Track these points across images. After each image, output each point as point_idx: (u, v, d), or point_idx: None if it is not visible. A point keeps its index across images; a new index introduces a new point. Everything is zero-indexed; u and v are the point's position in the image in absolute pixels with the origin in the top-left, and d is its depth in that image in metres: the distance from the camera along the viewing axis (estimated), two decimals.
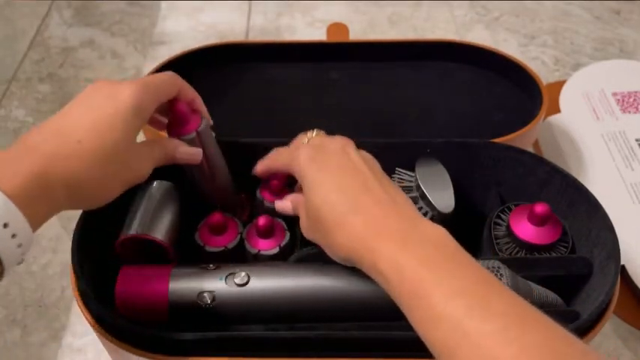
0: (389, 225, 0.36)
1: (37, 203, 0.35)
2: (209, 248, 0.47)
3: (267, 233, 0.48)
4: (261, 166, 0.49)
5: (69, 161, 0.37)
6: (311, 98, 0.70)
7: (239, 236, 0.48)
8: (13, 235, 0.33)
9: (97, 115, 0.39)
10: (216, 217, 0.48)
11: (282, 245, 0.48)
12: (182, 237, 0.49)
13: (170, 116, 0.47)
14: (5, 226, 0.32)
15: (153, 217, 0.46)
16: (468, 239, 0.39)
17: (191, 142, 0.46)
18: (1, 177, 0.33)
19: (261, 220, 0.48)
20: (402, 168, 0.53)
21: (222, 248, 0.47)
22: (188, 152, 0.46)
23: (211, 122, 0.49)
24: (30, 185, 0.34)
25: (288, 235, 0.49)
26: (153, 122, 0.48)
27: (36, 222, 0.35)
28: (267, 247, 0.48)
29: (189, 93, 0.47)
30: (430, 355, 0.42)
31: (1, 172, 0.33)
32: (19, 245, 0.33)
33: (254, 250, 0.48)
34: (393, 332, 0.42)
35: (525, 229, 0.48)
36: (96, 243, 0.46)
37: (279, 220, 0.50)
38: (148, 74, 0.64)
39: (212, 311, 0.43)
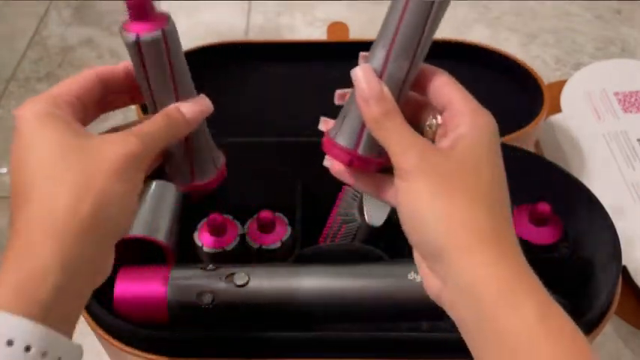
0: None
1: (52, 304, 0.28)
2: (207, 249, 0.47)
3: (268, 228, 0.48)
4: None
5: (41, 211, 0.30)
6: (311, 98, 0.70)
7: (238, 237, 0.48)
8: (44, 354, 0.27)
9: (18, 157, 0.31)
10: (216, 218, 0.47)
11: (283, 240, 0.48)
12: (182, 237, 0.48)
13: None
14: (28, 349, 0.26)
15: (153, 218, 0.46)
16: None
17: (155, 44, 0.36)
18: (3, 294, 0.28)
19: (263, 215, 0.47)
20: None
21: (220, 250, 0.47)
22: (196, 106, 0.38)
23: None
24: (29, 281, 0.28)
25: (289, 229, 0.49)
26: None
27: (68, 324, 0.30)
28: (268, 241, 0.48)
29: None
30: (428, 356, 0.42)
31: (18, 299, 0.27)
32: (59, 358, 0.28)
33: (256, 245, 0.48)
34: (393, 333, 0.42)
35: (526, 229, 0.48)
36: None
37: (280, 214, 0.50)
38: None
39: (212, 311, 0.42)
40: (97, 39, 0.96)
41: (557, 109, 0.78)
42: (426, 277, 0.33)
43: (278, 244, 0.48)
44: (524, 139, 0.61)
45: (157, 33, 0.36)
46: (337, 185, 0.54)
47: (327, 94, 0.72)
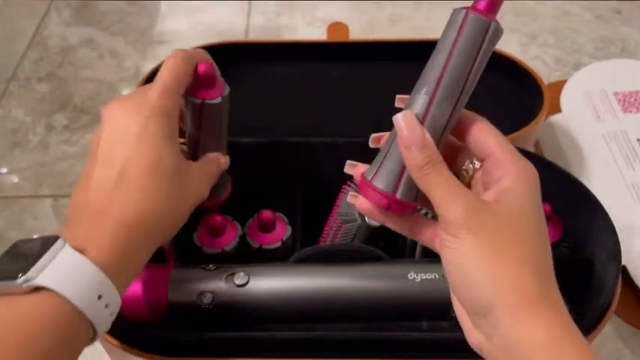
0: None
1: (124, 269, 0.35)
2: (207, 250, 0.47)
3: (269, 227, 0.48)
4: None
5: (143, 212, 0.36)
6: (311, 98, 0.70)
7: (237, 238, 0.48)
8: (107, 305, 0.33)
9: (136, 150, 0.37)
10: (215, 218, 0.47)
11: (284, 239, 0.48)
12: (181, 238, 0.48)
13: (194, 80, 0.42)
14: (100, 297, 0.32)
15: None
16: None
17: (216, 108, 0.43)
18: (90, 250, 0.33)
19: (264, 214, 0.47)
20: None
21: (219, 250, 0.47)
22: (226, 158, 0.46)
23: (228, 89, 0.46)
24: (117, 253, 0.34)
25: (289, 229, 0.49)
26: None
27: (123, 287, 0.35)
28: (269, 241, 0.48)
29: (209, 58, 0.44)
30: (428, 356, 0.42)
31: (88, 245, 0.33)
32: (111, 314, 0.34)
33: (256, 245, 0.48)
34: (393, 333, 0.42)
35: None
36: None
37: (281, 214, 0.50)
38: (148, 73, 0.64)
39: (212, 311, 0.42)
40: (98, 39, 0.96)
41: (556, 109, 0.78)
42: (467, 329, 0.34)
43: (278, 244, 0.48)
44: (524, 139, 0.61)
45: (218, 100, 0.43)
46: (337, 185, 0.54)
47: (327, 94, 0.72)
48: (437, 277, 0.43)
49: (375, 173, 0.36)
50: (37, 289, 0.31)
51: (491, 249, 0.31)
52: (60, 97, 0.87)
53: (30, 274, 0.30)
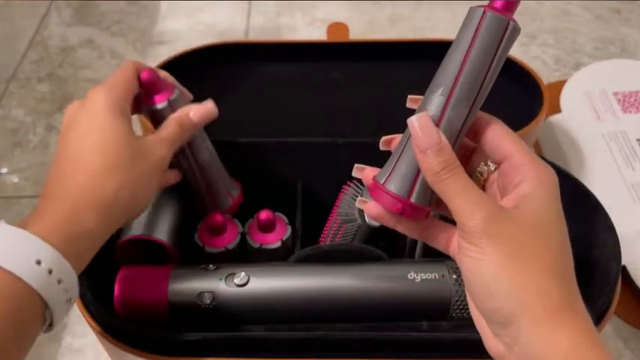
0: None
1: (75, 243, 0.35)
2: (209, 249, 0.47)
3: (269, 227, 0.48)
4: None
5: (91, 187, 0.37)
6: (311, 98, 0.70)
7: (239, 236, 0.48)
8: (59, 281, 0.33)
9: (84, 133, 0.39)
10: (216, 217, 0.47)
11: (284, 239, 0.48)
12: (182, 237, 0.48)
13: (139, 90, 0.44)
14: (50, 272, 0.32)
15: (154, 217, 0.46)
16: None
17: (162, 113, 0.44)
18: (38, 227, 0.33)
19: (263, 214, 0.47)
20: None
21: (222, 249, 0.47)
22: (201, 110, 0.44)
23: (191, 97, 0.47)
24: (63, 225, 0.34)
25: (289, 229, 0.49)
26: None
27: (78, 265, 0.35)
28: (269, 241, 0.48)
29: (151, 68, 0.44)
30: (428, 356, 0.42)
31: (37, 223, 0.34)
32: (66, 290, 0.33)
33: (256, 245, 0.48)
34: (393, 333, 0.42)
35: None
36: None
37: (280, 214, 0.50)
38: None
39: (212, 311, 0.42)
40: (98, 39, 0.96)
41: (556, 109, 0.78)
42: (486, 337, 0.33)
43: (279, 244, 0.48)
44: (524, 139, 0.61)
45: (164, 104, 0.44)
46: (337, 185, 0.54)
47: (327, 94, 0.72)
48: (437, 277, 0.43)
49: (388, 177, 0.34)
50: None
51: (514, 259, 0.31)
52: (60, 97, 0.87)
53: None
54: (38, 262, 0.32)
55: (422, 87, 0.74)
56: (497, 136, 0.34)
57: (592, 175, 0.70)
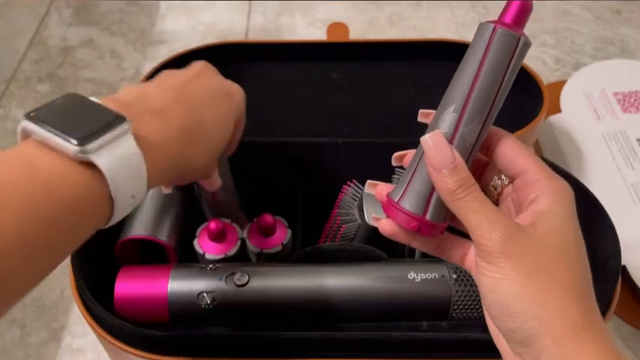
0: None
1: (164, 173, 0.34)
2: (209, 256, 0.47)
3: (269, 231, 0.48)
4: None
5: (197, 143, 0.36)
6: (311, 98, 0.70)
7: (239, 242, 0.48)
8: (133, 196, 0.32)
9: (223, 106, 0.40)
10: (215, 224, 0.47)
11: (284, 243, 0.48)
12: (183, 238, 0.48)
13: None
14: (133, 197, 0.31)
15: (155, 218, 0.46)
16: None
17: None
18: (147, 148, 0.32)
19: (264, 219, 0.47)
20: (402, 168, 0.53)
21: (223, 255, 0.47)
22: (216, 182, 0.45)
23: (229, 152, 0.48)
24: (167, 160, 0.34)
25: (289, 232, 0.49)
26: None
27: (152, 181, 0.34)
28: (269, 245, 0.48)
29: None
30: (428, 356, 0.42)
31: (146, 143, 0.32)
32: (132, 205, 0.32)
33: (256, 250, 0.47)
34: (393, 333, 0.42)
35: None
36: (95, 243, 0.46)
37: (280, 217, 0.49)
38: (148, 73, 0.64)
39: (212, 311, 0.42)
40: (98, 39, 0.96)
41: (556, 109, 0.78)
42: (506, 355, 0.32)
43: (279, 248, 0.48)
44: (524, 139, 0.61)
45: None
46: (337, 185, 0.54)
47: (327, 94, 0.72)
48: (437, 277, 0.43)
49: (402, 195, 0.34)
50: (86, 163, 0.29)
51: (535, 278, 0.30)
52: None
53: (89, 146, 0.29)
54: (133, 197, 0.31)
55: (422, 87, 0.74)
56: (511, 151, 0.34)
57: (592, 175, 0.70)
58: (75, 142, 0.28)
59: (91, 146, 0.29)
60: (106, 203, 0.30)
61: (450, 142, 0.33)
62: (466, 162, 0.33)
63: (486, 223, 0.31)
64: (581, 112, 0.77)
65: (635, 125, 0.75)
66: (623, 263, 0.46)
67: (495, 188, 0.35)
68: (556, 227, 0.31)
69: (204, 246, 0.47)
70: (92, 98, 0.32)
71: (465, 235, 0.34)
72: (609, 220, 0.47)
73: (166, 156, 0.34)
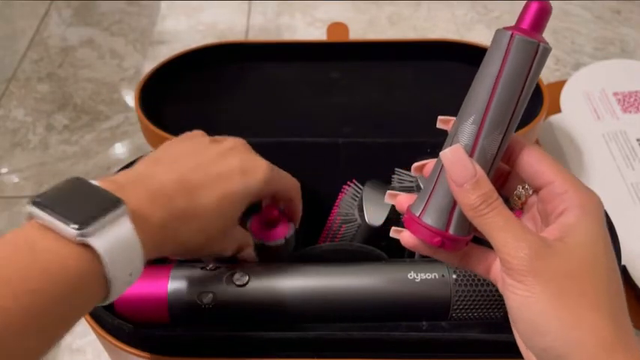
0: None
1: (158, 250, 0.36)
2: (269, 243, 0.47)
3: (272, 224, 0.48)
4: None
5: (190, 223, 0.37)
6: (311, 98, 0.70)
7: (292, 225, 0.48)
8: (130, 274, 0.33)
9: (227, 186, 0.40)
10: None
11: (287, 237, 0.48)
12: None
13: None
14: (130, 275, 0.33)
15: None
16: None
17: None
18: (141, 228, 0.33)
19: (267, 210, 0.47)
20: (402, 168, 0.53)
21: (283, 241, 0.47)
22: (249, 256, 0.45)
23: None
24: (160, 238, 0.35)
25: (292, 226, 0.48)
26: None
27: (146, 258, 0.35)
28: (272, 237, 0.48)
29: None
30: (428, 356, 0.42)
31: (141, 223, 0.33)
32: (130, 282, 0.33)
33: (259, 241, 0.47)
34: (393, 333, 0.42)
35: None
36: None
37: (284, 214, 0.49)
38: (148, 73, 0.64)
39: (212, 311, 0.42)
40: (98, 39, 0.96)
41: (556, 109, 0.78)
42: None
43: (282, 241, 0.48)
44: (524, 139, 0.61)
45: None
46: (337, 185, 0.54)
47: (327, 94, 0.72)
48: (437, 277, 0.43)
49: (424, 209, 0.33)
50: (84, 245, 0.30)
51: (563, 295, 0.29)
52: (60, 97, 0.87)
53: (87, 230, 0.30)
54: (130, 275, 0.33)
55: (422, 87, 0.74)
56: (535, 161, 0.33)
57: (592, 175, 0.70)
58: (75, 225, 0.30)
59: (89, 229, 0.30)
60: (102, 283, 0.31)
61: (471, 155, 0.32)
62: (487, 174, 0.32)
63: (512, 240, 0.30)
64: (581, 112, 0.77)
65: (635, 125, 0.75)
66: (623, 263, 0.46)
67: (519, 197, 0.34)
68: (585, 242, 0.30)
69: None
70: (93, 182, 0.34)
71: (490, 245, 0.33)
72: (609, 220, 0.47)
73: (159, 233, 0.35)
